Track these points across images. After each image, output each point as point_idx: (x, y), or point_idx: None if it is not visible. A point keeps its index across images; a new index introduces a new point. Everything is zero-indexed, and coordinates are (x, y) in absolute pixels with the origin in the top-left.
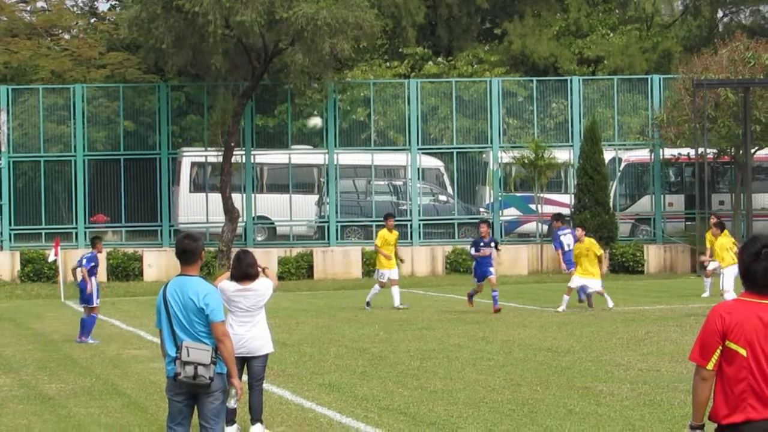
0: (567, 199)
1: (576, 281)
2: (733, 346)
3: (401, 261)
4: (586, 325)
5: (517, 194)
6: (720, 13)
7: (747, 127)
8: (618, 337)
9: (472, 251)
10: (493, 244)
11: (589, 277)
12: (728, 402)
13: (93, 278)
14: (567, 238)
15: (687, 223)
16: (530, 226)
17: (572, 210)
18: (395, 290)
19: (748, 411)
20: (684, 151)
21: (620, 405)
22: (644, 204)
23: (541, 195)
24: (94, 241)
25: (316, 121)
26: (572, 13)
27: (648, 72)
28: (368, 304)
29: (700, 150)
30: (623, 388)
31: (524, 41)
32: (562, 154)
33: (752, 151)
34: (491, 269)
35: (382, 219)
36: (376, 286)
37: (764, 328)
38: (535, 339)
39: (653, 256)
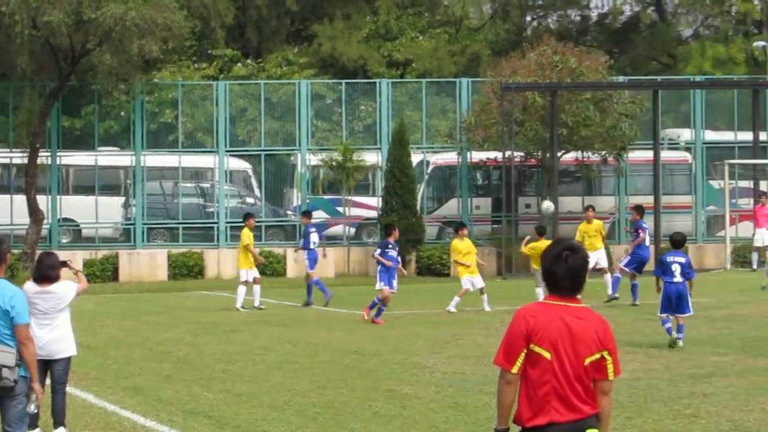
0: (375, 201)
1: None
2: (537, 349)
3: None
4: (392, 328)
5: (325, 197)
6: (528, 17)
7: (554, 130)
8: (424, 339)
9: (377, 253)
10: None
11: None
12: (532, 405)
13: None
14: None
15: (494, 225)
16: (338, 229)
17: (379, 213)
18: (256, 288)
19: (552, 413)
20: (491, 154)
21: (425, 408)
22: (451, 207)
23: (349, 197)
24: None
25: (549, 206)
26: (382, 15)
27: (456, 75)
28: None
29: (508, 153)
30: (428, 391)
31: (333, 43)
32: (370, 157)
33: (559, 154)
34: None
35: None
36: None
37: (568, 330)
38: (342, 341)
39: None
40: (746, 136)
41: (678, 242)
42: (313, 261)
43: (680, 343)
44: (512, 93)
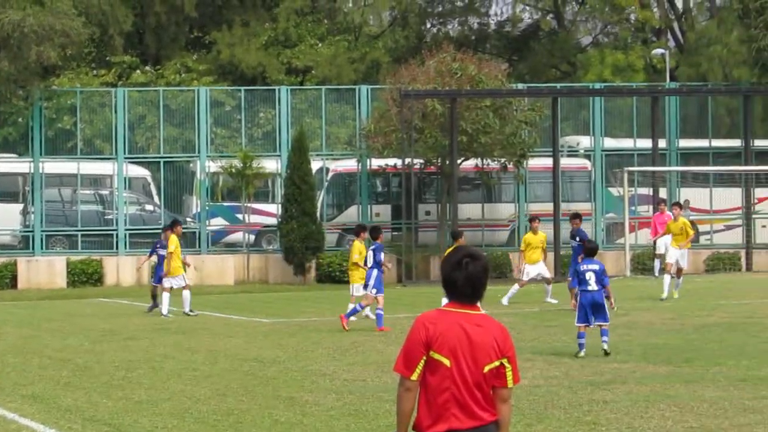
0: (274, 208)
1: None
2: (436, 356)
3: (188, 266)
4: (292, 335)
5: (225, 204)
6: (428, 25)
7: (453, 137)
8: (324, 347)
9: (381, 258)
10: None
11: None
12: (431, 412)
13: None
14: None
15: (393, 233)
16: (237, 236)
17: (279, 220)
18: (185, 294)
19: (452, 420)
20: (391, 161)
21: (326, 415)
22: (351, 214)
23: (249, 205)
24: None
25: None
26: (281, 23)
27: (356, 82)
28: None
29: (407, 160)
30: (329, 398)
31: (232, 50)
32: (270, 164)
33: (458, 161)
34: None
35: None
36: None
37: (467, 337)
38: (242, 349)
39: None
40: (645, 143)
41: (592, 250)
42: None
43: (606, 347)
44: (411, 100)
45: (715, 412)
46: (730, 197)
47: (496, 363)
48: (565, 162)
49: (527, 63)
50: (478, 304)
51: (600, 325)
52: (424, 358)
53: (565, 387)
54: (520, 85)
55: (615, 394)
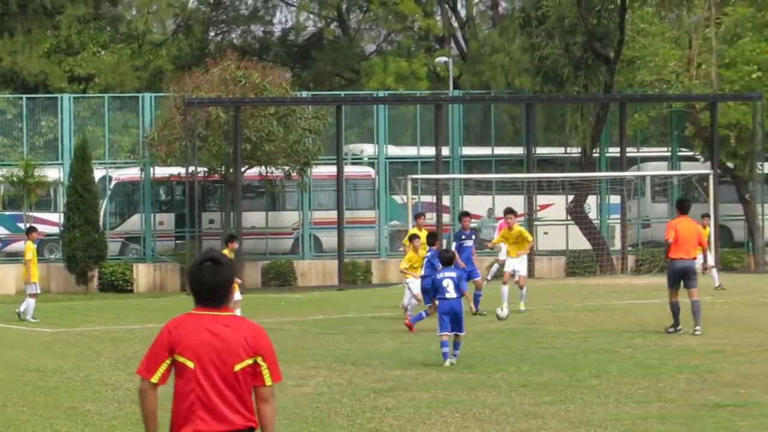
0: (57, 217)
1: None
2: (181, 359)
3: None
4: (74, 345)
5: (6, 213)
6: (212, 33)
7: (237, 145)
8: (106, 356)
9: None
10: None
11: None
12: (179, 415)
13: None
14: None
15: (177, 241)
16: (19, 245)
17: (61, 229)
18: None
19: (197, 423)
20: (175, 169)
21: (108, 425)
22: (134, 222)
23: (31, 214)
24: None
25: None
26: (63, 30)
27: (139, 90)
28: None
29: (191, 169)
30: (111, 408)
31: (14, 58)
32: (52, 173)
33: (242, 169)
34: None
35: None
36: None
37: (213, 339)
38: (22, 359)
39: (143, 274)
40: (429, 151)
41: (448, 259)
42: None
43: (453, 360)
44: (195, 108)
45: (497, 418)
46: (513, 204)
47: (249, 361)
48: (349, 170)
49: (311, 71)
50: (226, 305)
51: (456, 335)
52: (167, 361)
53: (349, 394)
54: (304, 93)
55: (398, 401)
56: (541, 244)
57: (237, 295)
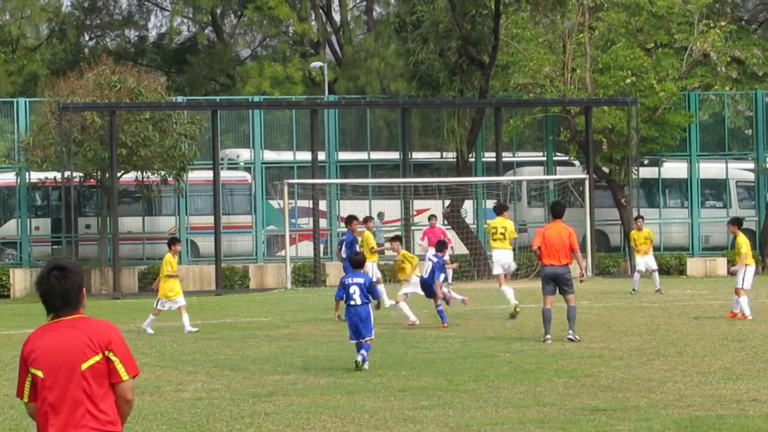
0: None
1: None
2: (33, 370)
3: None
4: None
5: None
6: (86, 37)
7: (113, 150)
8: None
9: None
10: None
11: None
12: (38, 426)
13: None
14: None
15: (54, 246)
16: None
17: None
18: None
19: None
20: (51, 174)
21: None
22: (10, 227)
23: None
24: None
25: None
26: None
27: (14, 95)
28: None
29: (67, 173)
30: None
31: None
32: None
33: (118, 174)
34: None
35: None
36: None
37: (57, 343)
38: None
39: (20, 279)
40: (305, 155)
41: (358, 262)
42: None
43: (363, 365)
44: (70, 113)
45: (376, 423)
46: (390, 209)
47: (96, 358)
48: (225, 175)
49: (186, 76)
50: (77, 309)
51: (365, 340)
52: (29, 377)
53: (227, 399)
54: (180, 98)
55: (276, 406)
56: (417, 249)
57: (181, 300)
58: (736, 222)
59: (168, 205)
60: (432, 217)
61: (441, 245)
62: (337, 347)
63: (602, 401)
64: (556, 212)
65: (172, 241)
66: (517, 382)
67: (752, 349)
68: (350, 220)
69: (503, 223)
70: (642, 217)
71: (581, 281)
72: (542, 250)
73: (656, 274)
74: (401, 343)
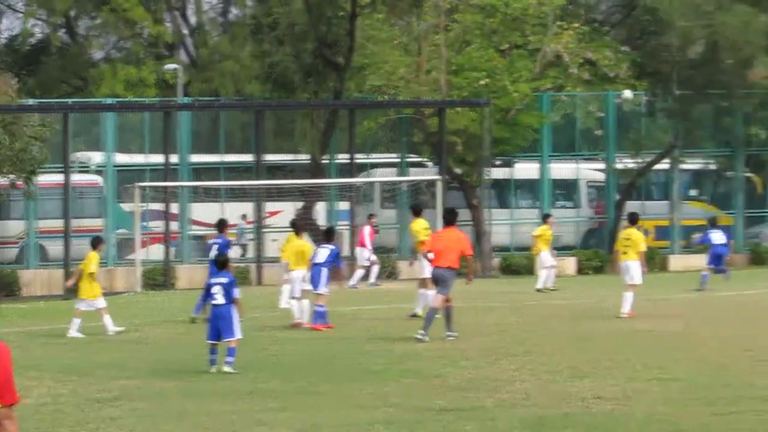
0: None
1: None
2: None
3: None
4: None
5: None
6: None
7: None
8: None
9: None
10: None
11: None
12: None
13: None
14: None
15: None
16: None
17: None
18: None
19: None
20: None
21: None
22: None
23: None
24: None
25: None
26: None
27: None
28: None
29: None
30: None
31: None
32: None
33: None
34: None
35: None
36: None
37: None
38: None
39: None
40: (158, 158)
41: (221, 263)
42: None
43: (228, 368)
44: None
45: (224, 426)
46: (243, 212)
47: None
48: (76, 178)
49: (38, 78)
50: None
51: (229, 341)
52: None
53: (72, 405)
54: (31, 101)
55: (122, 411)
56: (270, 251)
57: (101, 302)
58: (634, 218)
59: (17, 209)
60: (372, 216)
61: (329, 233)
62: (186, 351)
63: (450, 401)
64: (448, 220)
65: (98, 240)
66: (365, 383)
67: (599, 348)
68: (222, 224)
69: (423, 225)
70: (550, 215)
71: (468, 283)
72: (435, 254)
73: (544, 272)
74: (251, 348)
